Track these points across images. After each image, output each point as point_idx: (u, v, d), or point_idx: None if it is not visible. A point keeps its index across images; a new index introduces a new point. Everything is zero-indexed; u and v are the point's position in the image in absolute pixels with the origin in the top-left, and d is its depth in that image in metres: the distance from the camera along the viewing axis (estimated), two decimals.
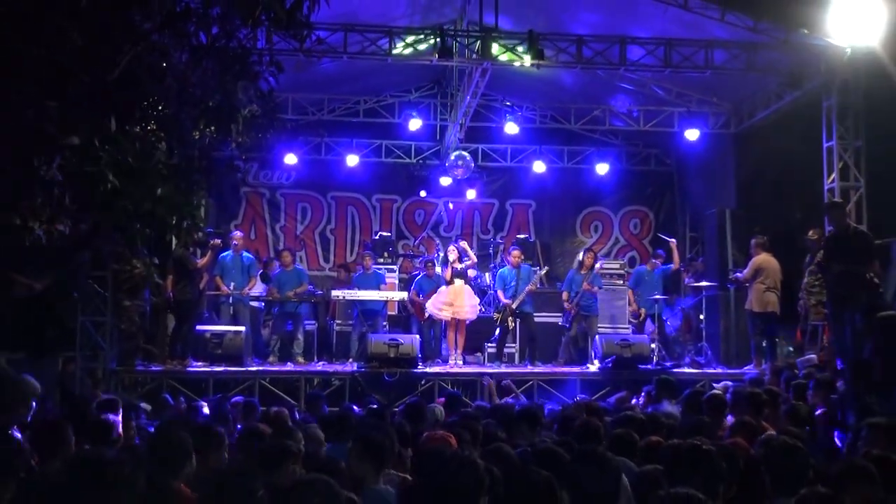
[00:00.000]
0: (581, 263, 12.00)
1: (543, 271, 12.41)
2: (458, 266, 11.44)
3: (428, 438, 4.78)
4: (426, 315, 11.92)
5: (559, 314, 12.22)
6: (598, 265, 12.10)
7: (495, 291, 12.10)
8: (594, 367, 10.99)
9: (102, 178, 3.88)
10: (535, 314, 11.99)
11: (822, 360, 9.32)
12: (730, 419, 6.59)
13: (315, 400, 7.79)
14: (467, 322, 11.58)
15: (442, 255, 12.86)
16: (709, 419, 6.17)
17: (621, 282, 13.03)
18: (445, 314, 11.44)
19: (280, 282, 11.93)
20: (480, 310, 11.91)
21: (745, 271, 10.78)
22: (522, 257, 12.14)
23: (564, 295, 11.93)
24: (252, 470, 4.07)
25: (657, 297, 12.25)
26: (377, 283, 12.09)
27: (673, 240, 12.63)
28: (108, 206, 4.08)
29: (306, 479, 3.19)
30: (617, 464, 3.03)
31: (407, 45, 10.44)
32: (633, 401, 8.62)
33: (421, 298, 12.08)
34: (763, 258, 10.67)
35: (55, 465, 4.06)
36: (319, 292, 12.74)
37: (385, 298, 12.00)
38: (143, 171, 4.23)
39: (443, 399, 8.36)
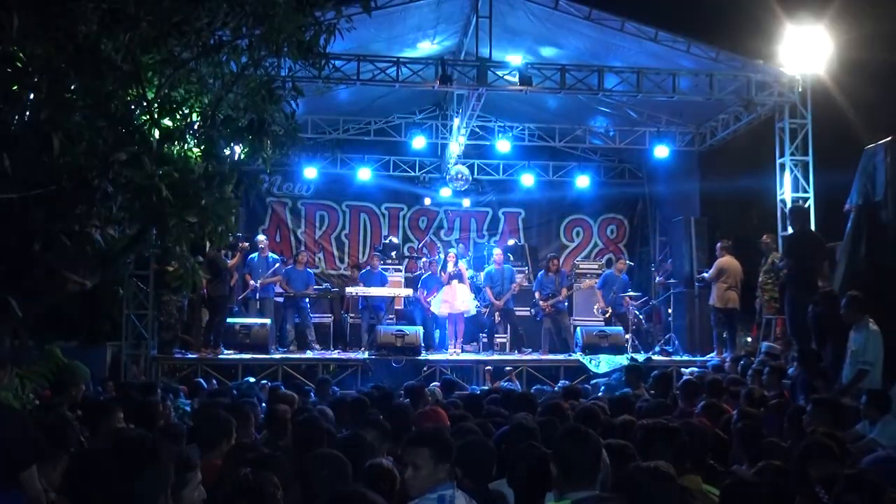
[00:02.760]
0: (547, 268, 11.98)
1: (520, 280, 12.28)
2: (454, 269, 11.48)
3: (422, 414, 4.75)
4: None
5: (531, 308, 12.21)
6: (566, 266, 12.15)
7: (484, 289, 12.08)
8: (578, 355, 10.96)
9: (157, 190, 3.87)
10: (515, 309, 12.00)
11: (782, 350, 9.31)
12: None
13: (323, 384, 7.80)
14: (464, 316, 11.59)
15: (442, 257, 12.89)
16: (683, 402, 6.16)
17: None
18: (444, 310, 11.49)
19: (290, 277, 11.92)
20: (477, 305, 11.90)
21: (710, 271, 10.78)
22: (502, 257, 12.17)
23: (537, 294, 11.91)
24: (276, 445, 4.06)
25: (630, 294, 12.27)
26: (381, 281, 12.10)
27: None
28: (158, 216, 4.08)
29: (318, 454, 3.17)
30: (598, 440, 3.02)
31: (412, 73, 10.43)
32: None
33: (425, 294, 12.10)
34: (726, 260, 10.67)
35: (99, 441, 4.04)
36: (335, 289, 12.75)
37: (392, 295, 12.04)
38: (186, 182, 4.22)
39: (438, 383, 8.40)
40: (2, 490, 2.72)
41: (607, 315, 12.13)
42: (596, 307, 12.28)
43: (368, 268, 12.41)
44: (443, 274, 11.67)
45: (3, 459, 2.76)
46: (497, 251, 12.29)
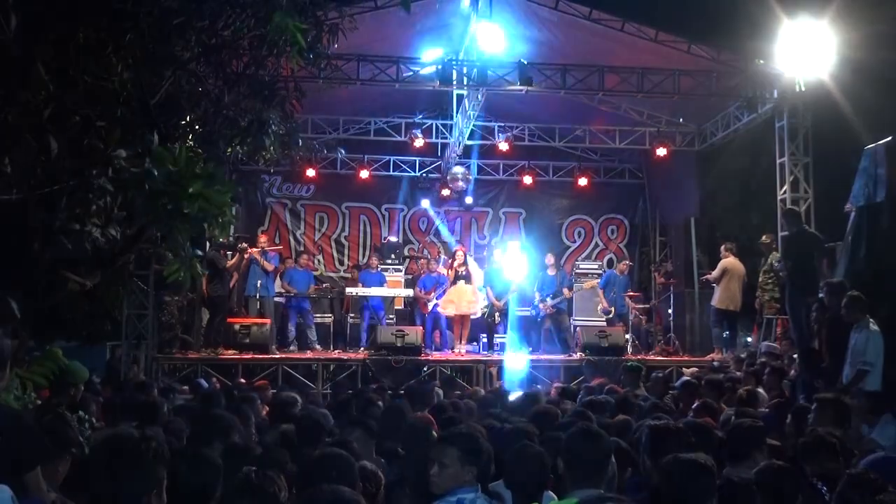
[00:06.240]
0: (547, 268, 11.97)
1: (514, 284, 12.27)
2: (461, 269, 11.44)
3: (413, 419, 4.71)
4: (429, 308, 11.92)
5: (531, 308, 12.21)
6: (567, 267, 12.12)
7: (485, 289, 12.07)
8: (578, 355, 10.95)
9: (150, 177, 3.87)
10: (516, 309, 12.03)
11: (783, 350, 9.31)
12: None
13: (339, 387, 7.82)
14: (470, 317, 11.58)
15: (445, 257, 12.88)
16: (682, 401, 6.17)
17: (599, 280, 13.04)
18: (449, 310, 11.47)
19: (291, 278, 11.98)
20: (484, 308, 11.90)
21: (714, 272, 10.81)
22: (502, 257, 12.17)
23: (536, 295, 11.87)
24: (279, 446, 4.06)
25: (629, 294, 12.28)
26: (379, 281, 12.11)
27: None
28: (151, 206, 4.09)
29: (325, 453, 3.16)
30: (609, 441, 3.03)
31: (412, 73, 10.44)
32: None
33: (423, 293, 12.09)
34: (729, 261, 10.71)
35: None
36: (335, 289, 12.78)
37: (391, 295, 12.04)
38: (180, 173, 4.21)
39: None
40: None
41: (610, 315, 12.16)
42: (599, 307, 12.30)
43: (367, 268, 12.42)
44: (449, 272, 11.63)
45: (6, 462, 2.76)
46: (497, 251, 12.29)
